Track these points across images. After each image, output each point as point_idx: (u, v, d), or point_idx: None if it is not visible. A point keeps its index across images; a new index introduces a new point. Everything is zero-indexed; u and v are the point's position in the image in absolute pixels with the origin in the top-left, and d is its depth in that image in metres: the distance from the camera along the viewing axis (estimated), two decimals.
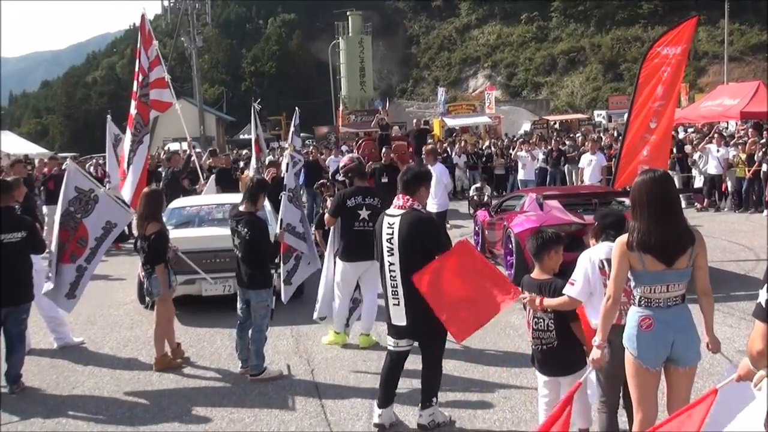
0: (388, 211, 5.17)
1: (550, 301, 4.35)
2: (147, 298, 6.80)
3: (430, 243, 4.99)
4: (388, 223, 5.06)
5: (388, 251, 5.04)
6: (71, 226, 7.04)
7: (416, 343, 5.16)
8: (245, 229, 6.23)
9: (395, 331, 5.13)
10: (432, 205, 11.93)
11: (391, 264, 5.02)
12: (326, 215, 7.41)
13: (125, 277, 11.01)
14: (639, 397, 3.85)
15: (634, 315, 3.84)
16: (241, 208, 6.43)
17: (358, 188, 7.26)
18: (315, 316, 7.38)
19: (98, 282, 11.07)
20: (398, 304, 5.00)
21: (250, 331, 6.42)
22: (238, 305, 6.51)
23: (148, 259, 6.71)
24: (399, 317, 5.02)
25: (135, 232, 14.96)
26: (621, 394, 4.33)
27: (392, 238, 5.00)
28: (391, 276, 5.04)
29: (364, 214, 7.02)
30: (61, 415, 5.71)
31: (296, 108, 14.25)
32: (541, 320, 4.51)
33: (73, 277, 7.05)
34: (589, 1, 70.22)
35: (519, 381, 5.90)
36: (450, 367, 6.29)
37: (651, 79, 10.31)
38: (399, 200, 5.11)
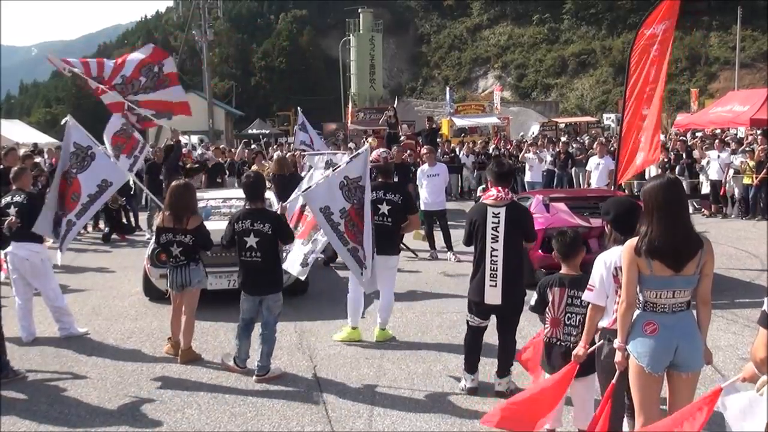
0: (488, 202, 5.53)
1: (587, 330, 4.31)
2: (174, 289, 6.81)
3: (529, 233, 5.70)
4: (493, 213, 5.50)
5: (492, 238, 5.49)
6: (69, 182, 7.16)
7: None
8: (265, 225, 6.16)
9: (485, 311, 5.64)
10: (436, 203, 11.98)
11: (494, 250, 5.49)
12: None
13: (130, 269, 11.03)
14: (641, 402, 3.85)
15: (638, 320, 3.83)
16: (248, 206, 6.37)
17: (380, 183, 7.30)
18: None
19: (103, 273, 11.13)
20: (495, 286, 5.50)
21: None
22: (246, 308, 6.35)
23: (200, 249, 6.78)
24: (494, 297, 5.52)
25: (144, 225, 14.71)
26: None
27: (498, 226, 5.48)
28: (492, 260, 5.49)
29: (384, 208, 7.11)
30: (64, 404, 5.74)
31: (298, 107, 14.44)
32: (574, 315, 4.51)
33: (63, 231, 7.17)
34: (601, 3, 69.91)
35: (521, 383, 5.87)
36: (453, 366, 6.31)
37: (642, 63, 10.06)
38: (499, 192, 5.53)
